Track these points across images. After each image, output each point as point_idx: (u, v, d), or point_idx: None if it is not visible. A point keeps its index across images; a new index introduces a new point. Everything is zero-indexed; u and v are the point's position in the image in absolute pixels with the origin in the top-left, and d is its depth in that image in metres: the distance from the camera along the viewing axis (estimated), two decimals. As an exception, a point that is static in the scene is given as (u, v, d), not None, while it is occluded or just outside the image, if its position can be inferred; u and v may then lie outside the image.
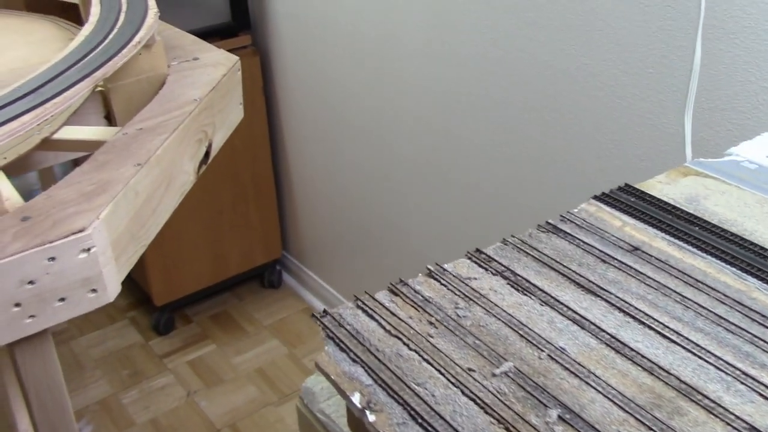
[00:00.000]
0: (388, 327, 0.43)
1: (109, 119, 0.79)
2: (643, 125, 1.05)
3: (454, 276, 0.49)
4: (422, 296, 0.46)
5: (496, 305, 0.45)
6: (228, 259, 2.01)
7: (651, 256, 0.49)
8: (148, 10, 0.79)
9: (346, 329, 0.44)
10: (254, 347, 1.94)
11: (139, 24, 0.74)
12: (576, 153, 1.17)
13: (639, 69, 1.03)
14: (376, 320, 0.44)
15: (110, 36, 0.71)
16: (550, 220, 0.54)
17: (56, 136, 0.66)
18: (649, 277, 0.47)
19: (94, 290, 0.55)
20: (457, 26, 1.27)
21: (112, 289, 0.56)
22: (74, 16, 1.11)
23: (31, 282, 0.51)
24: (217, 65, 0.82)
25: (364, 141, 1.62)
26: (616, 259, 0.49)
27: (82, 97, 0.63)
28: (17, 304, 0.52)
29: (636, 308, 0.45)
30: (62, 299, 0.53)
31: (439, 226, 1.50)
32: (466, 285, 0.47)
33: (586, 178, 1.17)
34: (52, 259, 0.52)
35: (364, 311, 0.45)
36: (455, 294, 0.46)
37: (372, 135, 1.59)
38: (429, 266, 0.51)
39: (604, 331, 0.43)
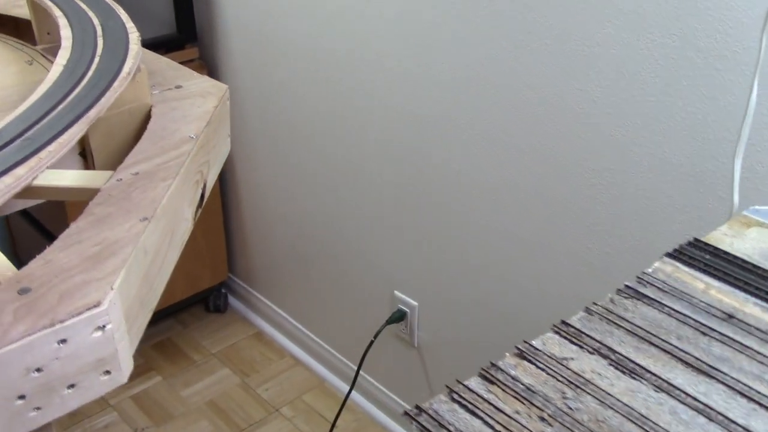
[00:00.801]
0: (497, 426, 0.38)
1: (85, 156, 0.71)
2: (686, 169, 1.01)
3: (548, 356, 0.44)
4: (522, 384, 0.42)
5: (608, 393, 0.41)
6: (170, 283, 1.90)
7: (749, 325, 0.47)
8: (129, 33, 0.71)
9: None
10: (204, 377, 1.84)
11: (124, 50, 0.67)
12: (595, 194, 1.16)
13: (684, 109, 1.01)
14: (481, 417, 0.39)
15: (93, 64, 0.64)
16: (629, 284, 0.51)
17: (38, 182, 0.58)
18: (757, 353, 0.45)
19: (107, 372, 0.48)
20: (438, 44, 1.24)
21: (126, 367, 0.49)
22: (25, 33, 1.01)
23: (38, 370, 0.44)
24: (205, 95, 0.75)
25: (320, 160, 1.57)
26: (715, 331, 0.46)
27: (75, 140, 0.56)
28: (21, 396, 0.44)
29: (757, 391, 0.42)
30: (72, 385, 0.46)
31: (400, 249, 1.46)
32: (565, 367, 0.43)
33: (604, 220, 1.16)
34: (63, 341, 0.45)
35: (463, 406, 0.39)
36: (557, 380, 0.42)
37: (330, 155, 1.54)
38: (518, 346, 0.47)
39: (733, 422, 0.40)
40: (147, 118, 0.71)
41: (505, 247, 1.26)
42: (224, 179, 1.89)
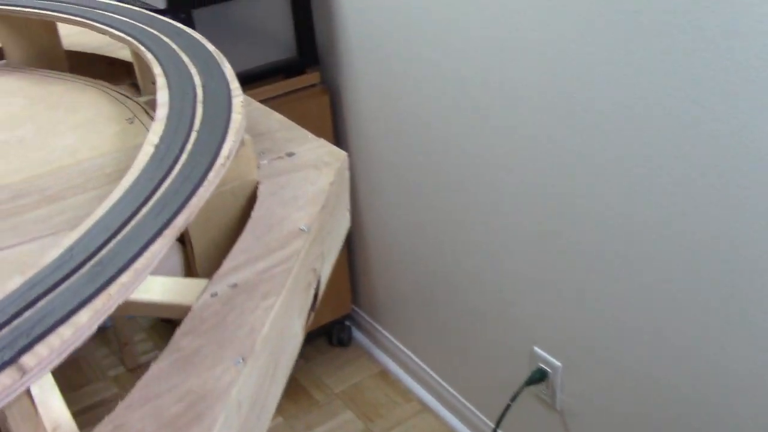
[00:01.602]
0: None
1: (183, 242, 0.61)
2: None
3: None
4: None
5: None
6: (293, 316, 1.84)
7: None
8: (232, 97, 0.61)
9: None
10: (326, 420, 1.76)
11: (225, 122, 0.57)
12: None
13: None
14: None
15: (189, 144, 0.54)
16: None
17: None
18: None
19: None
20: (590, 76, 1.08)
21: None
22: (122, 72, 0.95)
23: None
24: (320, 166, 0.64)
25: (452, 194, 1.43)
26: None
27: (157, 260, 0.46)
28: None
29: None
30: None
31: (541, 300, 1.30)
32: None
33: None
34: None
35: None
36: None
37: (464, 190, 1.40)
38: None
39: None
40: (253, 197, 0.61)
41: (672, 307, 1.07)
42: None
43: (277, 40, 1.54)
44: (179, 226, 0.45)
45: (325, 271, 0.61)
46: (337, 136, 1.70)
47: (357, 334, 1.99)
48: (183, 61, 0.69)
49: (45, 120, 0.77)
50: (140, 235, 0.43)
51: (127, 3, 1.46)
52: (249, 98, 0.79)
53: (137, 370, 1.92)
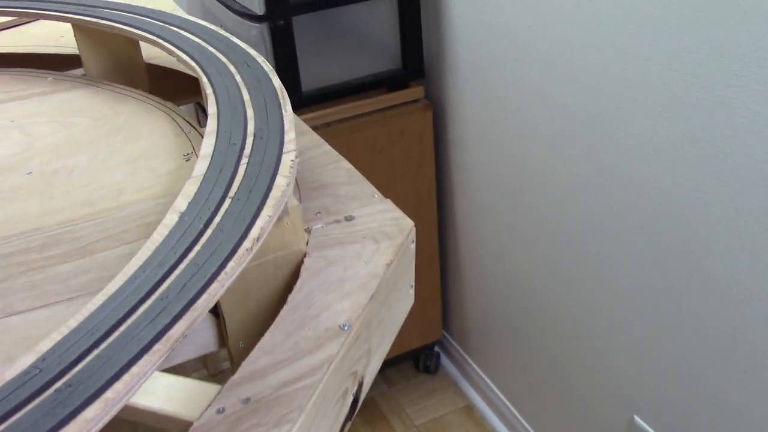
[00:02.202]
0: None
1: (217, 313, 0.54)
2: None
3: None
4: None
5: None
6: (379, 338, 1.76)
7: None
8: (283, 152, 0.53)
9: None
10: (402, 454, 1.68)
11: (266, 190, 0.49)
12: None
13: None
14: None
15: (216, 218, 0.46)
16: None
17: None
18: None
19: None
20: (718, 118, 0.93)
21: None
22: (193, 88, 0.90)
23: None
24: (380, 239, 0.55)
25: (553, 232, 1.31)
26: None
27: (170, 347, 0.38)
28: None
29: None
30: None
31: (644, 364, 1.15)
32: None
33: None
34: None
35: None
36: None
37: (566, 230, 1.27)
38: None
39: None
40: (297, 269, 0.53)
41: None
42: (443, 230, 1.71)
43: (381, 50, 1.46)
44: (174, 338, 0.38)
45: (372, 369, 0.52)
46: (438, 155, 1.61)
47: (446, 362, 1.89)
48: (242, 100, 0.62)
49: (101, 147, 0.73)
50: (124, 350, 0.36)
51: (228, 7, 1.42)
52: (320, 139, 0.71)
53: (219, 375, 1.91)
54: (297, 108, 1.43)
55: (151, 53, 0.96)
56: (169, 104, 0.82)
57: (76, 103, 0.85)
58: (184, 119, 0.78)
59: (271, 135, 0.56)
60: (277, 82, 0.65)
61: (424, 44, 1.49)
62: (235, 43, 0.75)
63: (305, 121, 1.45)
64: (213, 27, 0.81)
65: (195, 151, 0.70)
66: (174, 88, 1.01)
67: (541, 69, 1.22)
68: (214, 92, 0.63)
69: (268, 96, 0.62)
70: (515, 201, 1.42)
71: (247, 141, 0.55)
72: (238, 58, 0.71)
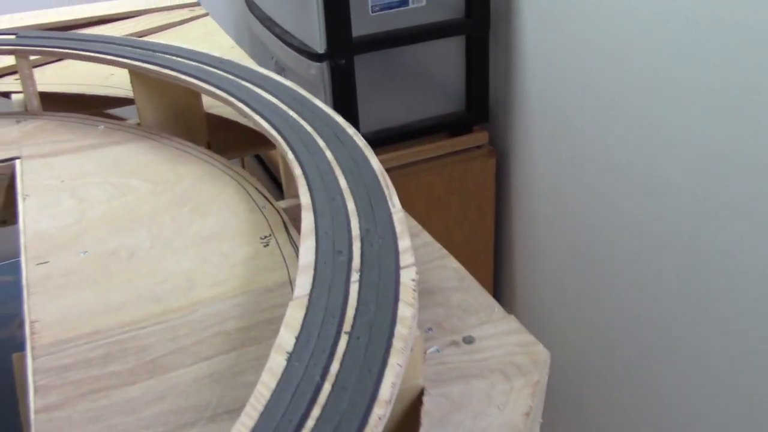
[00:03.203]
0: None
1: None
2: None
3: None
4: None
5: None
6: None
7: None
8: (400, 270, 0.45)
9: None
10: None
11: (389, 326, 0.40)
12: None
13: None
14: None
15: (332, 366, 0.38)
16: None
17: None
18: None
19: None
20: None
21: None
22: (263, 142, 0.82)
23: None
24: (511, 373, 0.46)
25: (621, 291, 1.22)
26: None
27: None
28: None
29: None
30: None
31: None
32: None
33: None
34: None
35: None
36: None
37: (638, 292, 1.18)
38: None
39: None
40: (414, 408, 0.45)
41: None
42: (499, 287, 1.62)
43: (444, 91, 1.38)
44: None
45: None
46: (499, 206, 1.52)
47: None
48: (339, 188, 0.54)
49: (165, 223, 0.65)
50: None
51: (284, 42, 1.35)
52: (417, 226, 0.62)
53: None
54: (353, 151, 1.36)
55: (208, 102, 0.89)
56: (237, 168, 0.75)
57: (131, 160, 0.78)
58: (255, 189, 0.70)
59: (382, 239, 0.48)
60: (377, 164, 0.57)
61: (490, 87, 1.41)
62: (320, 108, 0.67)
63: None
64: (289, 83, 0.73)
65: (274, 234, 0.62)
66: (233, 140, 0.94)
67: (617, 126, 1.13)
68: (306, 176, 0.55)
69: (370, 185, 0.54)
70: (582, 263, 1.33)
71: (354, 248, 0.47)
72: (326, 129, 0.63)
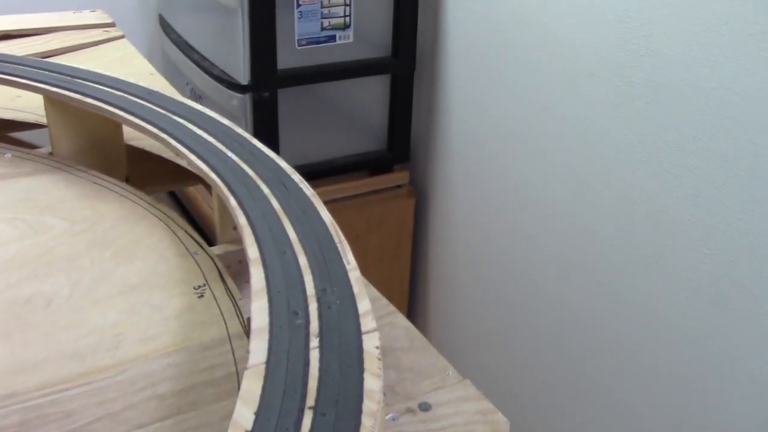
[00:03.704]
0: None
1: None
2: None
3: None
4: None
5: None
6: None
7: None
8: (362, 336, 0.43)
9: None
10: None
11: (356, 401, 0.38)
12: None
13: None
14: None
15: (305, 422, 0.35)
16: None
17: None
18: None
19: None
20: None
21: None
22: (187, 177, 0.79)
23: None
24: (474, 447, 0.44)
25: (539, 331, 1.23)
26: None
27: None
28: None
29: None
30: None
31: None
32: None
33: None
34: None
35: None
36: None
37: (553, 330, 1.20)
38: None
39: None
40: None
41: None
42: (413, 317, 1.61)
43: (367, 129, 1.37)
44: None
45: None
46: (416, 246, 1.52)
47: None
48: (289, 240, 0.51)
49: (86, 267, 0.60)
50: None
51: (204, 70, 1.31)
52: (361, 278, 0.60)
53: None
54: (271, 186, 1.32)
55: (127, 133, 0.84)
56: (163, 208, 0.70)
57: (45, 194, 0.72)
58: (185, 232, 0.66)
59: (340, 300, 0.45)
60: (327, 215, 0.54)
61: (412, 126, 1.41)
62: (260, 150, 0.64)
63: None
64: (226, 122, 0.70)
65: (209, 284, 0.58)
66: (154, 174, 0.89)
67: (538, 170, 1.16)
68: (252, 226, 0.52)
69: (321, 237, 0.51)
70: (499, 306, 1.34)
71: (311, 309, 0.44)
72: (268, 173, 0.60)
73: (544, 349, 1.27)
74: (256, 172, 0.60)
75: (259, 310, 0.44)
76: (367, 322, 0.44)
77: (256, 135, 1.27)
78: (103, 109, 0.71)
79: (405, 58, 1.32)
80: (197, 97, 1.38)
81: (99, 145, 0.81)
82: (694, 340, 0.99)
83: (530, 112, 1.17)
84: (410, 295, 1.58)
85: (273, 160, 0.62)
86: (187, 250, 0.63)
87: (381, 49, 1.30)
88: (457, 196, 1.39)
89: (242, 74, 1.18)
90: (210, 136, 0.66)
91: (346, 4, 1.23)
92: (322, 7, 1.21)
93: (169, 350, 0.51)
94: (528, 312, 1.28)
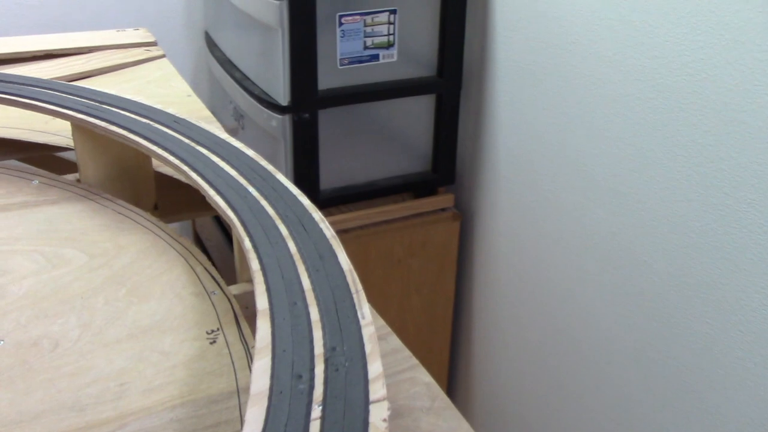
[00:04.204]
0: None
1: None
2: None
3: None
4: None
5: None
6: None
7: None
8: (369, 406, 0.39)
9: None
10: None
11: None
12: None
13: None
14: None
15: None
16: None
17: None
18: None
19: None
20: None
21: None
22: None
23: None
24: None
25: (584, 359, 1.17)
26: None
27: None
28: None
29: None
30: None
31: None
32: None
33: None
34: None
35: None
36: None
37: (599, 357, 1.14)
38: None
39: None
40: None
41: None
42: (457, 346, 1.56)
43: (411, 150, 1.34)
44: None
45: None
46: (461, 272, 1.48)
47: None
48: (302, 290, 0.48)
49: (98, 308, 0.58)
50: None
51: (246, 90, 1.30)
52: (384, 327, 0.57)
53: None
54: (311, 209, 1.30)
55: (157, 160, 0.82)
56: (185, 242, 0.68)
57: (67, 224, 0.70)
58: (204, 268, 0.64)
59: (349, 362, 0.42)
60: (345, 261, 0.51)
61: (458, 148, 1.37)
62: (283, 185, 0.61)
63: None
64: (251, 153, 0.67)
65: (222, 328, 0.56)
66: (182, 202, 0.87)
67: (590, 197, 1.10)
68: (264, 273, 0.49)
69: (336, 286, 0.48)
70: (542, 329, 1.28)
71: (317, 371, 0.41)
72: (289, 212, 0.57)
73: (591, 379, 1.21)
74: (276, 210, 0.57)
75: (260, 372, 0.41)
76: (377, 389, 0.40)
77: (295, 157, 1.25)
78: (125, 136, 0.69)
79: (451, 78, 1.28)
80: (239, 117, 1.37)
81: (127, 173, 0.79)
82: (755, 380, 0.92)
83: (579, 135, 1.12)
84: (454, 323, 1.54)
85: (295, 197, 0.59)
86: (204, 288, 0.61)
87: (426, 68, 1.27)
88: (503, 220, 1.34)
89: (282, 95, 1.16)
90: (232, 169, 0.64)
91: (390, 23, 1.21)
92: (365, 25, 1.19)
93: (174, 403, 0.49)
94: (579, 344, 1.22)
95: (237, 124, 1.41)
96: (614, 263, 1.10)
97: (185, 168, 0.64)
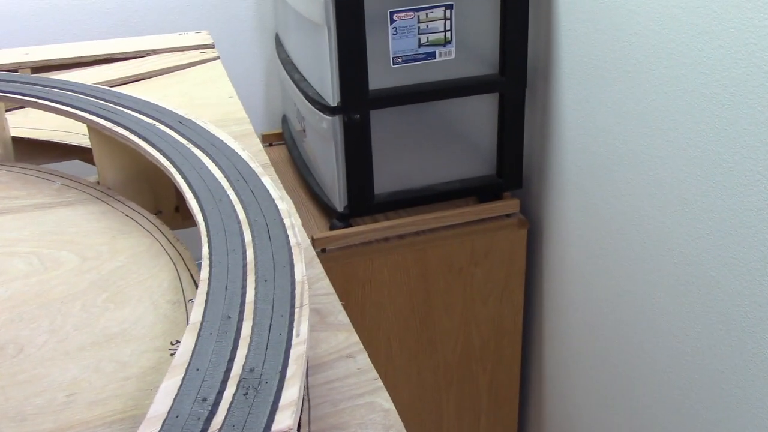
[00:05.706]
0: None
1: None
2: None
3: None
4: None
5: None
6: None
7: None
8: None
9: None
10: None
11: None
12: None
13: None
14: None
15: None
16: None
17: None
18: None
19: None
20: None
21: None
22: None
23: None
24: None
25: (658, 373, 1.08)
26: None
27: None
28: None
29: None
30: None
31: None
32: None
33: None
34: None
35: None
36: None
37: (673, 372, 1.04)
38: None
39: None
40: None
41: None
42: (527, 368, 1.49)
43: (473, 153, 1.28)
44: None
45: None
46: (529, 282, 1.40)
47: None
48: (241, 305, 0.45)
49: (72, 313, 0.57)
50: None
51: (302, 91, 1.28)
52: (356, 341, 0.53)
53: None
54: (367, 214, 1.27)
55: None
56: (179, 245, 0.66)
57: (73, 226, 0.71)
58: (190, 275, 0.62)
59: (264, 383, 0.38)
60: (300, 272, 0.47)
61: (524, 151, 1.30)
62: (266, 190, 0.58)
63: (373, 231, 1.27)
64: (245, 155, 0.65)
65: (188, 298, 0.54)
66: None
67: (664, 204, 1.01)
68: (208, 283, 0.46)
69: (278, 301, 0.45)
70: (617, 340, 1.19)
71: (225, 396, 0.38)
72: (260, 219, 0.54)
73: (671, 402, 1.11)
74: (247, 215, 0.54)
75: (164, 394, 0.38)
76: (283, 419, 0.36)
77: (347, 159, 1.23)
78: (142, 147, 0.69)
79: (514, 76, 1.22)
80: (301, 119, 1.36)
81: (144, 175, 0.79)
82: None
83: (644, 136, 1.03)
84: (524, 337, 1.46)
85: (273, 201, 0.56)
86: (184, 296, 0.59)
87: (487, 65, 1.21)
88: (573, 228, 1.26)
89: (331, 95, 1.14)
90: (219, 171, 0.62)
91: (446, 18, 1.16)
92: (420, 22, 1.15)
93: (114, 418, 0.47)
94: (655, 364, 1.13)
95: (300, 126, 1.40)
96: (687, 279, 1.01)
97: (172, 170, 0.62)
